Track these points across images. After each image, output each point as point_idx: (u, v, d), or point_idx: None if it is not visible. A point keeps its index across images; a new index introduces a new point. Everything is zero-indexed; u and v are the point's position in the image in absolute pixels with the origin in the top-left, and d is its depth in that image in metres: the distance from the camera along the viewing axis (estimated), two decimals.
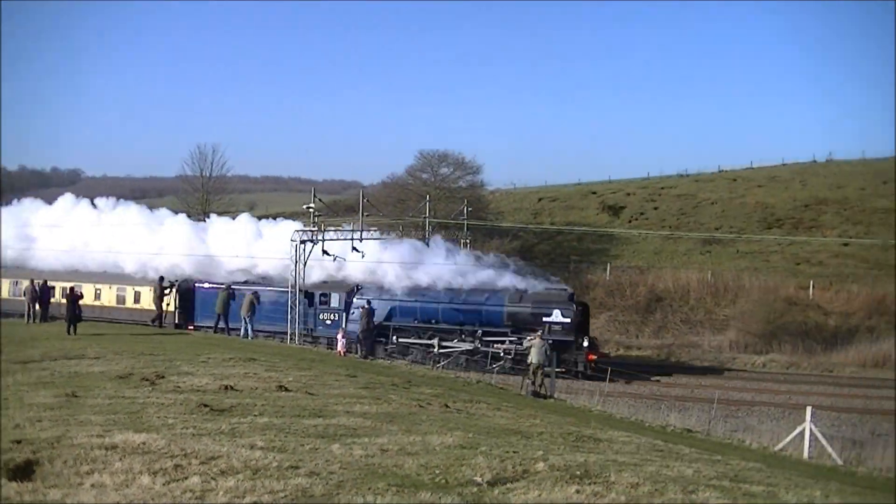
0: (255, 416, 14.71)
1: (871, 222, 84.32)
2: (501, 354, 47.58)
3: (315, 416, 15.01)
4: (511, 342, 47.53)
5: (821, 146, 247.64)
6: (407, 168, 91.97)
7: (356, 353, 44.85)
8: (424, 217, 60.22)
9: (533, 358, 33.79)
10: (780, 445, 28.24)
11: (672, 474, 12.73)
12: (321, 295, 52.02)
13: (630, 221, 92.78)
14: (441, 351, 48.66)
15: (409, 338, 49.84)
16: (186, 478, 9.52)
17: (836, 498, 12.87)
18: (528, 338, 36.58)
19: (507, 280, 49.82)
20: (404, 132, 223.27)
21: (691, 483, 11.85)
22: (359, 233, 49.46)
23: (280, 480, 9.48)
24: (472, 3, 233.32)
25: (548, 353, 34.55)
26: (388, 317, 50.26)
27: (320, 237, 48.16)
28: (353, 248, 48.28)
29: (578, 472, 11.41)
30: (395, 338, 49.88)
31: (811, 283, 67.60)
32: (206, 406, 15.38)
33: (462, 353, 48.40)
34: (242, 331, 44.53)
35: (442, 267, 50.30)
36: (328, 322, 51.45)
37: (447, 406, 19.55)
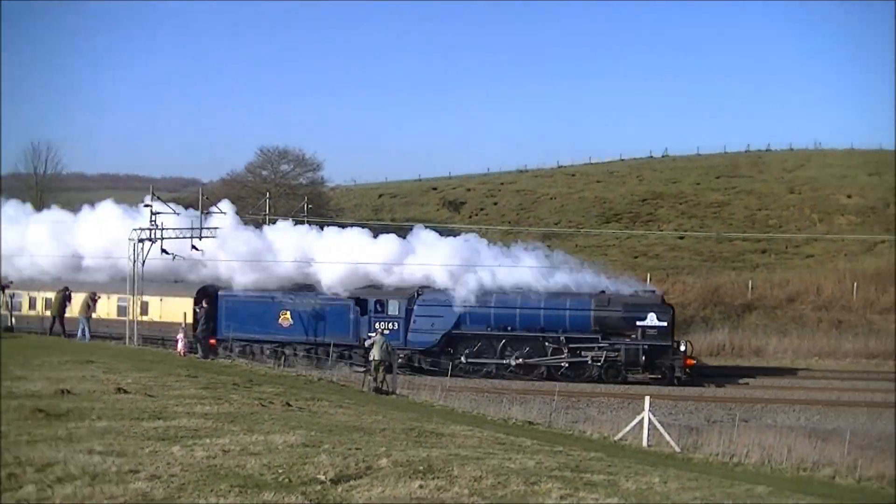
0: (92, 419, 14.34)
1: (705, 216, 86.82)
2: (589, 362, 45.81)
3: (155, 419, 14.75)
4: (601, 348, 45.60)
5: (657, 142, 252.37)
6: (247, 165, 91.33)
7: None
8: (264, 214, 59.79)
9: (375, 355, 33.80)
10: (620, 435, 28.80)
11: (514, 466, 12.86)
12: (376, 302, 48.25)
13: (470, 217, 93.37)
14: (524, 361, 46.41)
15: (480, 349, 47.06)
16: (21, 486, 9.24)
17: (674, 484, 13.16)
18: (370, 334, 36.41)
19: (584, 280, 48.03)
20: (244, 128, 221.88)
21: (533, 475, 11.98)
22: (198, 231, 47.51)
23: (119, 485, 9.28)
24: (300, 1, 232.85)
25: (389, 349, 34.59)
26: (457, 325, 47.46)
27: (159, 235, 46.36)
28: (193, 247, 46.81)
29: (421, 468, 11.45)
30: (466, 350, 47.05)
31: (648, 275, 68.93)
32: (41, 411, 14.96)
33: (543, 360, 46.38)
34: (79, 332, 42.61)
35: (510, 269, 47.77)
36: (386, 332, 46.12)
37: (289, 404, 19.42)
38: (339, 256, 47.86)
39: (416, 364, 47.18)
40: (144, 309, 49.72)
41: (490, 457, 13.87)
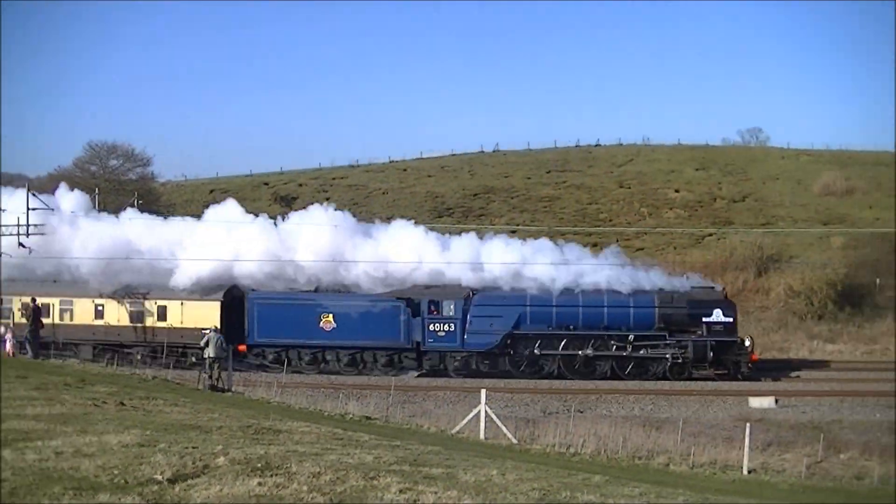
0: None
1: (537, 210, 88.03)
2: (668, 359, 45.24)
3: None
4: (667, 345, 45.23)
5: (488, 137, 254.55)
6: (74, 160, 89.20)
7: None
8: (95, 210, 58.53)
9: (210, 352, 33.43)
10: (457, 428, 28.99)
11: (353, 461, 12.89)
12: (430, 303, 46.23)
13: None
14: (589, 357, 45.69)
15: (541, 348, 45.85)
16: None
17: (512, 475, 13.34)
18: (205, 331, 35.85)
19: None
20: (71, 122, 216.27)
21: (372, 469, 12.02)
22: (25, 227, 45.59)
23: None
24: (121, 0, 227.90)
25: (224, 346, 34.23)
26: (517, 324, 45.97)
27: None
28: (20, 245, 45.29)
29: (259, 465, 11.40)
30: (526, 350, 45.91)
31: None
32: None
33: (612, 358, 45.77)
34: None
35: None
36: (441, 334, 45.90)
37: (123, 404, 19.13)
38: (204, 249, 46.10)
39: (474, 367, 46.53)
40: (163, 314, 47.53)
41: (328, 452, 13.88)
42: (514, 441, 28.34)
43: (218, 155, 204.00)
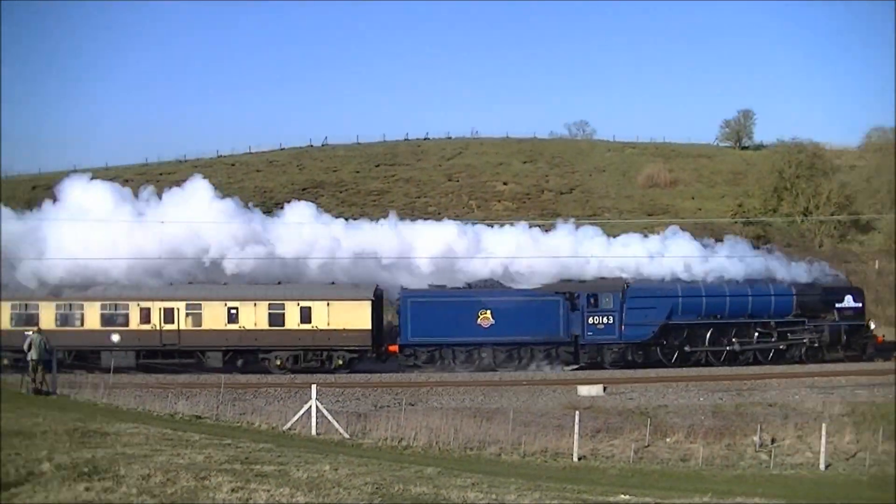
0: None
1: (366, 203, 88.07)
2: (807, 343, 47.67)
3: None
4: (805, 331, 47.50)
5: (316, 130, 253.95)
6: None
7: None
8: None
9: (33, 354, 32.58)
10: (289, 424, 28.85)
11: (183, 462, 12.73)
12: (589, 296, 46.52)
13: None
14: (736, 346, 47.39)
15: (690, 338, 47.33)
16: None
17: (345, 470, 13.33)
18: (27, 334, 34.85)
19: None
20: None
21: (203, 469, 11.89)
22: None
23: None
24: None
25: (47, 347, 33.39)
26: (670, 315, 46.81)
27: None
28: None
29: (86, 469, 11.17)
30: (676, 340, 47.12)
31: None
32: None
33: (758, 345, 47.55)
34: None
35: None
36: (600, 327, 46.26)
37: None
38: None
39: (630, 358, 47.14)
40: (306, 316, 45.44)
41: (158, 454, 13.69)
42: (346, 436, 28.34)
43: (42, 148, 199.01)
